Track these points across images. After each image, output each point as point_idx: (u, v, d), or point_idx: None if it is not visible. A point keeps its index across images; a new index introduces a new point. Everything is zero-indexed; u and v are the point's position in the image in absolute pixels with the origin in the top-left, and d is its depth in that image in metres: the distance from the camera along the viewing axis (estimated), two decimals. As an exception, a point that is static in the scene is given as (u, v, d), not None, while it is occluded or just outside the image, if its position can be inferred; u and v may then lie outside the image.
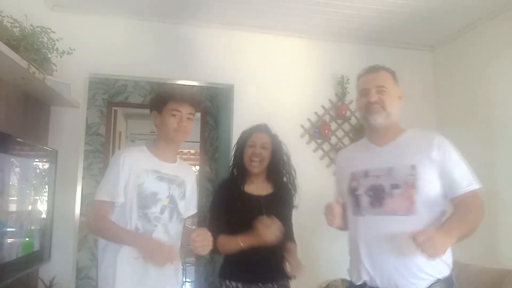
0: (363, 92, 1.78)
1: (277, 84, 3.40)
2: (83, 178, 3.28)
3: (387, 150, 1.74)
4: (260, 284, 2.03)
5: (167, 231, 1.83)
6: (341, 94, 3.47)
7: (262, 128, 2.22)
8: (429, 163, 1.64)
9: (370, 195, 1.68)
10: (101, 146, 4.62)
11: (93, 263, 4.41)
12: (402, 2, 2.91)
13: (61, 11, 3.08)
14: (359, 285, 1.70)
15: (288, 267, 1.94)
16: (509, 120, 2.88)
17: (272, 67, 3.42)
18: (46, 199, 2.65)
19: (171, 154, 1.95)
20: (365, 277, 1.67)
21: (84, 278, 4.37)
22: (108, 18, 3.19)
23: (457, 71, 3.45)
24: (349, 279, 1.83)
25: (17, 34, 2.21)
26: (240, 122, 3.25)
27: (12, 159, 2.16)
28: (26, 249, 2.35)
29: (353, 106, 3.40)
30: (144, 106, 4.20)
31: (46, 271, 2.81)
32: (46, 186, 2.65)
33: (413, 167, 1.63)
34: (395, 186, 1.63)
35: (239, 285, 2.01)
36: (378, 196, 1.66)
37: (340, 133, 3.48)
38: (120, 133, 5.16)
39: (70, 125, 3.06)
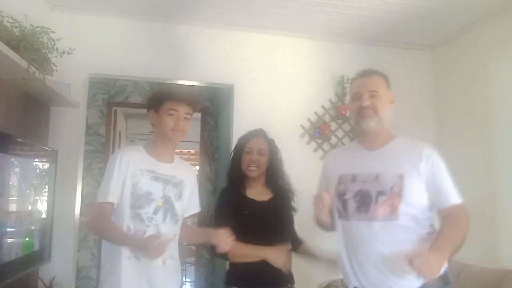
0: (356, 96, 1.79)
1: (277, 84, 3.40)
2: (83, 178, 3.29)
3: (376, 156, 1.75)
4: None
5: (159, 232, 1.80)
6: (341, 94, 3.47)
7: (258, 133, 2.21)
8: (416, 174, 1.67)
9: (357, 200, 1.70)
10: (101, 146, 4.62)
11: (93, 263, 4.42)
12: (402, 2, 2.91)
13: (61, 11, 3.08)
14: None
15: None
16: (509, 120, 2.88)
17: (272, 67, 3.42)
18: (46, 199, 2.65)
19: (168, 154, 1.94)
20: (355, 282, 1.69)
21: (84, 278, 4.37)
22: (108, 18, 3.19)
23: (457, 71, 3.45)
24: None
25: (17, 34, 2.21)
26: (240, 122, 3.26)
27: (12, 159, 2.16)
28: (26, 249, 2.35)
29: (353, 106, 3.40)
30: (144, 106, 4.19)
31: (46, 271, 2.81)
32: (46, 186, 2.65)
33: (401, 176, 1.65)
34: (381, 193, 1.66)
35: None
36: (364, 202, 1.68)
37: (340, 133, 3.48)
38: (120, 133, 5.16)
39: (70, 125, 3.06)
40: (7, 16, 2.18)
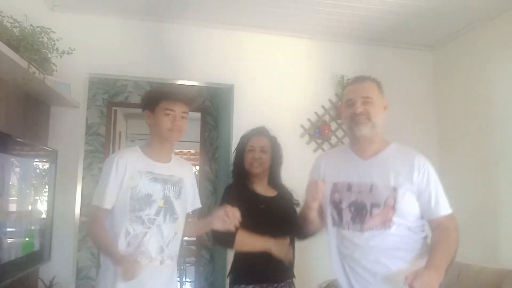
0: (349, 103, 1.79)
1: (277, 84, 3.40)
2: (83, 178, 3.29)
3: (370, 165, 1.75)
4: (276, 284, 2.06)
5: (161, 232, 1.81)
6: (341, 94, 3.46)
7: (260, 131, 2.22)
8: (409, 186, 1.69)
9: (352, 210, 1.72)
10: (101, 146, 4.62)
11: (93, 263, 4.42)
12: (402, 2, 2.91)
13: (61, 11, 3.08)
14: None
15: None
16: (509, 120, 2.88)
17: (272, 67, 3.42)
18: (46, 199, 2.65)
19: (166, 154, 1.93)
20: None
21: (84, 278, 4.37)
22: (108, 18, 3.19)
23: (457, 71, 3.45)
24: None
25: (17, 34, 2.20)
26: (240, 122, 3.26)
27: (12, 159, 2.16)
28: (26, 249, 2.35)
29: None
30: (144, 106, 4.18)
31: (46, 271, 2.81)
32: (46, 186, 2.65)
33: (394, 189, 1.67)
34: (375, 205, 1.68)
35: (256, 287, 2.02)
36: (360, 213, 1.70)
37: (340, 133, 3.48)
38: (120, 133, 5.16)
39: (70, 125, 3.06)
40: (7, 16, 2.17)
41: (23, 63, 2.12)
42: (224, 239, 2.00)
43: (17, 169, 2.22)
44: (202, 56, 3.31)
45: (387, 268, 1.65)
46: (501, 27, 3.00)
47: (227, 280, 2.15)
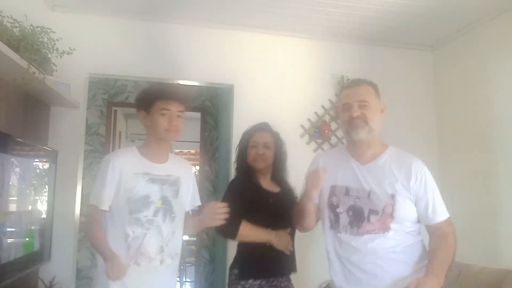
0: (346, 107, 1.79)
1: (277, 84, 3.40)
2: (83, 178, 3.29)
3: (368, 171, 1.76)
4: (280, 278, 2.10)
5: (161, 232, 1.81)
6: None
7: (263, 127, 2.24)
8: (407, 194, 1.70)
9: (350, 215, 1.73)
10: (101, 146, 4.62)
11: (93, 263, 4.41)
12: (402, 2, 2.91)
13: (61, 11, 3.08)
14: None
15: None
16: (509, 120, 2.88)
17: (272, 67, 3.42)
18: (46, 199, 2.65)
19: (163, 154, 1.92)
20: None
21: (84, 278, 4.37)
22: (108, 18, 3.19)
23: (457, 71, 3.45)
24: None
25: (17, 34, 2.20)
26: (240, 122, 3.26)
27: (12, 159, 2.16)
28: (26, 249, 2.35)
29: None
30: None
31: (46, 271, 2.81)
32: (46, 186, 2.65)
33: (392, 196, 1.69)
34: (373, 212, 1.69)
35: (263, 282, 2.05)
36: (357, 218, 1.72)
37: (340, 133, 3.47)
38: (120, 133, 5.16)
39: (70, 125, 3.06)
40: (7, 16, 2.17)
41: (23, 63, 2.12)
42: (227, 230, 2.03)
43: (17, 169, 2.22)
44: (202, 56, 3.31)
45: (385, 270, 1.66)
46: (501, 27, 3.00)
47: (231, 276, 2.12)
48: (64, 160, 2.90)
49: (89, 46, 3.05)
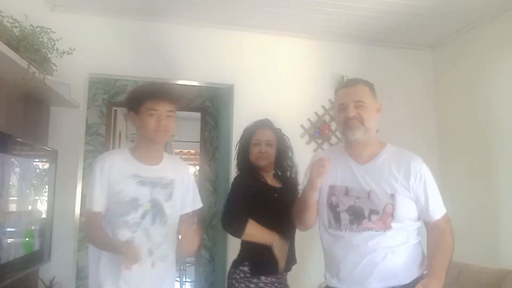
0: (341, 107, 1.79)
1: (277, 84, 3.40)
2: (83, 178, 3.28)
3: (367, 170, 1.76)
4: (285, 274, 2.15)
5: (149, 235, 1.78)
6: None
7: (265, 124, 2.23)
8: (407, 193, 1.70)
9: (350, 214, 1.73)
10: (101, 146, 4.62)
11: (93, 263, 4.41)
12: (402, 2, 2.91)
13: (61, 11, 3.08)
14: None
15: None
16: (509, 120, 2.88)
17: (272, 67, 3.42)
18: (46, 199, 2.65)
19: (155, 155, 1.87)
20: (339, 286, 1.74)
21: (84, 278, 4.35)
22: (108, 18, 3.18)
23: (457, 71, 3.45)
24: None
25: (17, 34, 2.20)
26: (240, 122, 3.25)
27: (12, 159, 2.16)
28: (26, 249, 2.35)
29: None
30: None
31: (46, 271, 2.81)
32: (46, 186, 2.65)
33: (392, 196, 1.69)
34: (374, 212, 1.69)
35: (273, 278, 2.06)
36: (357, 217, 1.71)
37: (340, 133, 3.47)
38: (120, 133, 5.16)
39: (70, 125, 3.06)
40: (7, 16, 2.17)
41: (23, 63, 2.12)
42: (234, 227, 2.03)
43: (17, 169, 2.22)
44: (202, 56, 3.31)
45: (381, 270, 1.65)
46: (501, 27, 3.00)
47: (239, 273, 2.08)
48: (64, 160, 2.90)
49: (89, 46, 3.05)
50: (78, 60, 2.87)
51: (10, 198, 2.14)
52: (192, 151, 7.24)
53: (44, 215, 2.62)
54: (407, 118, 3.52)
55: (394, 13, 3.08)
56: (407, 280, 1.66)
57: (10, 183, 2.13)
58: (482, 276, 2.53)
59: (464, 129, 3.30)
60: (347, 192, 1.74)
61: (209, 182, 4.82)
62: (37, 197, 2.54)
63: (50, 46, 2.45)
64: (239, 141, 2.28)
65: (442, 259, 1.68)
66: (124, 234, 1.74)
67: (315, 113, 3.44)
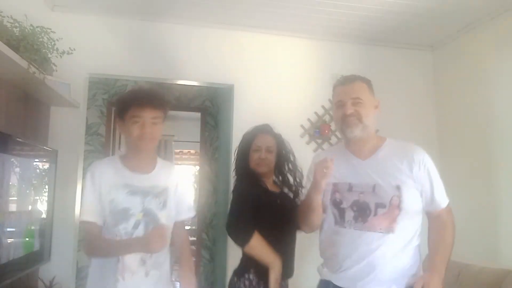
0: (339, 104, 1.78)
1: (277, 84, 3.40)
2: (83, 178, 3.28)
3: (369, 165, 1.75)
4: (286, 280, 2.12)
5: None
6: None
7: (265, 129, 2.18)
8: (412, 183, 1.69)
9: (354, 210, 1.71)
10: (101, 146, 4.62)
11: (93, 263, 4.41)
12: (402, 2, 2.91)
13: (61, 11, 3.08)
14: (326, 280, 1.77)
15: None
16: (509, 120, 2.88)
17: (272, 67, 3.42)
18: (46, 199, 2.65)
19: (146, 163, 1.82)
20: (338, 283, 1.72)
21: (84, 278, 4.33)
22: (108, 18, 3.19)
23: (457, 71, 3.45)
24: None
25: (17, 34, 2.21)
26: (240, 122, 3.26)
27: (12, 159, 2.16)
28: (26, 249, 2.35)
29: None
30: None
31: (46, 271, 2.81)
32: (46, 186, 2.65)
33: (398, 187, 1.67)
34: (380, 205, 1.68)
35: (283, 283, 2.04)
36: (363, 213, 1.69)
37: (338, 130, 3.47)
38: (120, 133, 5.16)
39: (70, 125, 3.06)
40: (7, 16, 2.18)
41: (23, 63, 2.12)
42: (238, 236, 1.99)
43: (17, 169, 2.22)
44: (202, 56, 3.31)
45: (382, 272, 1.65)
46: (501, 27, 3.00)
47: (244, 281, 2.02)
48: (64, 160, 2.90)
49: (89, 46, 3.05)
50: (78, 60, 2.87)
51: (10, 198, 2.14)
52: (192, 151, 7.24)
53: (44, 215, 2.62)
54: (407, 118, 3.52)
55: (394, 13, 3.08)
56: (402, 286, 1.66)
57: (10, 183, 2.13)
58: (482, 276, 2.53)
59: (464, 129, 3.30)
60: (350, 188, 1.73)
61: (209, 182, 4.81)
62: (37, 197, 2.54)
63: (50, 46, 2.45)
64: (238, 146, 2.23)
65: (442, 252, 1.68)
66: None
67: (315, 113, 3.44)
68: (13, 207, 2.19)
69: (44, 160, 2.65)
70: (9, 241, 2.13)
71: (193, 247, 5.09)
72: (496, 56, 3.02)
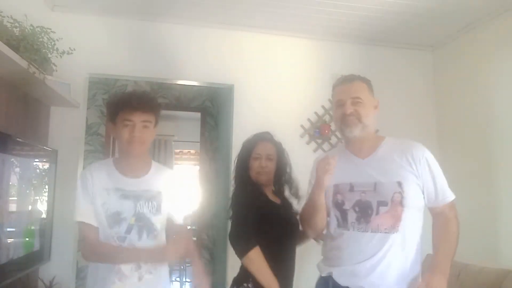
0: (339, 104, 1.77)
1: (277, 84, 3.40)
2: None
3: (370, 164, 1.74)
4: None
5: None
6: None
7: (265, 137, 2.14)
8: (413, 179, 1.68)
9: (356, 210, 1.70)
10: (101, 146, 4.62)
11: (93, 263, 4.41)
12: (402, 2, 2.91)
13: (61, 11, 3.08)
14: (326, 276, 1.75)
15: None
16: (509, 120, 2.88)
17: (272, 67, 3.42)
18: (46, 199, 2.65)
19: (139, 167, 1.80)
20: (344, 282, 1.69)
21: (84, 278, 4.34)
22: (108, 18, 3.19)
23: (457, 71, 3.45)
24: None
25: (17, 34, 2.21)
26: (240, 122, 3.27)
27: (12, 159, 2.16)
28: (26, 249, 2.36)
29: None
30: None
31: (46, 271, 2.81)
32: (46, 186, 2.65)
33: (399, 184, 1.66)
34: (382, 203, 1.66)
35: None
36: (365, 213, 1.68)
37: (337, 130, 3.47)
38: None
39: (70, 125, 3.06)
40: (7, 16, 2.18)
41: (23, 63, 2.12)
42: (238, 247, 1.94)
43: (17, 169, 2.22)
44: (202, 56, 3.31)
45: (382, 275, 1.64)
46: (501, 27, 3.00)
47: (248, 286, 1.97)
48: (64, 160, 2.90)
49: (89, 46, 3.05)
50: (78, 60, 2.87)
51: (10, 198, 2.14)
52: (192, 151, 7.23)
53: (44, 215, 2.63)
54: (407, 118, 3.52)
55: (394, 13, 3.08)
56: (404, 286, 1.65)
57: (10, 183, 2.13)
58: (482, 276, 2.53)
59: (464, 129, 3.30)
60: (352, 188, 1.72)
61: (209, 182, 4.81)
62: (37, 197, 2.55)
63: (50, 46, 2.45)
64: (238, 154, 2.19)
65: (446, 251, 1.66)
66: None
67: (315, 113, 3.44)
68: (13, 207, 2.19)
69: (44, 160, 2.65)
70: (9, 241, 2.14)
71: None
72: (496, 56, 3.02)
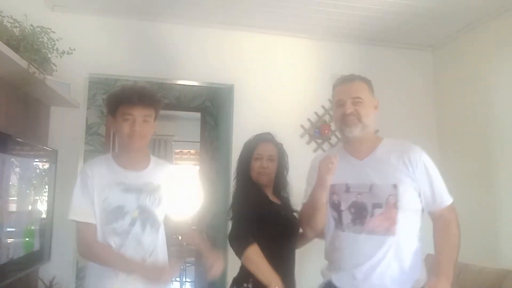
0: (339, 103, 1.77)
1: (277, 84, 3.40)
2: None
3: (367, 165, 1.73)
4: None
5: (141, 243, 1.74)
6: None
7: (267, 138, 2.15)
8: (409, 181, 1.67)
9: (352, 212, 1.69)
10: (101, 146, 4.62)
11: (93, 263, 4.41)
12: (402, 2, 2.91)
13: (61, 11, 3.08)
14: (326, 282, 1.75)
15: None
16: (509, 120, 2.88)
17: (272, 67, 3.42)
18: (46, 199, 2.65)
19: (139, 161, 1.81)
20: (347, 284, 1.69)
21: (84, 278, 4.36)
22: (108, 18, 3.19)
23: (457, 71, 3.45)
24: None
25: (17, 34, 2.21)
26: (240, 122, 3.27)
27: (12, 159, 2.16)
28: (26, 249, 2.36)
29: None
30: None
31: (46, 271, 2.81)
32: (46, 186, 2.65)
33: (395, 186, 1.65)
34: (377, 205, 1.65)
35: None
36: (360, 214, 1.68)
37: (337, 130, 3.47)
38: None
39: (70, 125, 3.06)
40: (7, 16, 2.18)
41: (23, 63, 2.12)
42: (235, 246, 1.94)
43: (17, 169, 2.22)
44: (202, 56, 3.31)
45: (382, 276, 1.63)
46: (501, 27, 3.00)
47: (248, 286, 1.95)
48: (64, 160, 2.90)
49: (89, 46, 3.05)
50: (78, 60, 2.86)
51: (10, 198, 2.14)
52: (192, 151, 7.23)
53: (44, 215, 2.63)
54: (407, 118, 3.52)
55: (394, 13, 3.08)
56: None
57: (10, 183, 2.13)
58: (482, 276, 2.53)
59: (464, 129, 3.30)
60: (348, 189, 1.72)
61: (209, 182, 4.81)
62: (37, 197, 2.55)
63: (50, 46, 2.45)
64: (240, 155, 2.19)
65: (448, 253, 1.65)
66: (115, 241, 1.71)
67: (315, 113, 3.44)
68: (13, 207, 2.19)
69: (44, 160, 2.65)
70: (9, 241, 2.14)
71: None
72: (496, 56, 3.02)
